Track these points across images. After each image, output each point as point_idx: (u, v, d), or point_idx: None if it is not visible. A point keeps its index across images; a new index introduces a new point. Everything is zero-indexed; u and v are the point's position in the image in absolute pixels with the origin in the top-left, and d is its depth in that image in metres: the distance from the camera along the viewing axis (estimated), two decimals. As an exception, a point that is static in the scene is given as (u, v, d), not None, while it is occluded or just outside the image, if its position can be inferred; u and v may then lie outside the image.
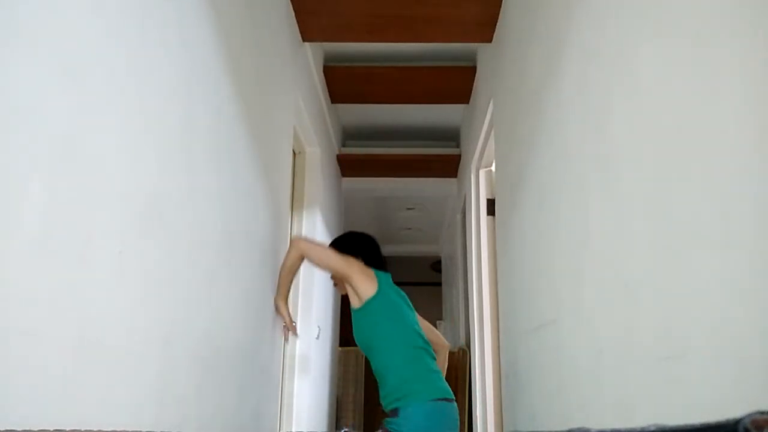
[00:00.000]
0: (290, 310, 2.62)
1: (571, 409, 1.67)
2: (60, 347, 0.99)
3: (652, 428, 1.09)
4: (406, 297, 2.51)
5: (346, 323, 5.17)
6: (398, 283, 2.52)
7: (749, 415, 0.79)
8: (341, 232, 4.98)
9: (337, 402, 4.81)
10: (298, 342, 3.25)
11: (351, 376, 6.34)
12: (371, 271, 2.41)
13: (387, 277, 2.46)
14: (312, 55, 3.42)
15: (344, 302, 4.81)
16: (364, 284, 2.35)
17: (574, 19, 1.71)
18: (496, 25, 3.03)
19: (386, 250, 8.75)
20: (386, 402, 2.24)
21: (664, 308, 1.11)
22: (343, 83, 3.93)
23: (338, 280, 2.52)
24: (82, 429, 1.03)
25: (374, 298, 2.34)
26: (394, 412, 2.18)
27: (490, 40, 3.16)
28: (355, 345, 2.44)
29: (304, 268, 3.42)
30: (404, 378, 2.23)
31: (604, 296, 1.43)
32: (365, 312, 2.36)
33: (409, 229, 6.91)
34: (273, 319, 2.54)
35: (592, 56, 1.56)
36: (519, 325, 2.40)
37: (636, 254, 1.24)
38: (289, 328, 2.58)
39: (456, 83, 3.90)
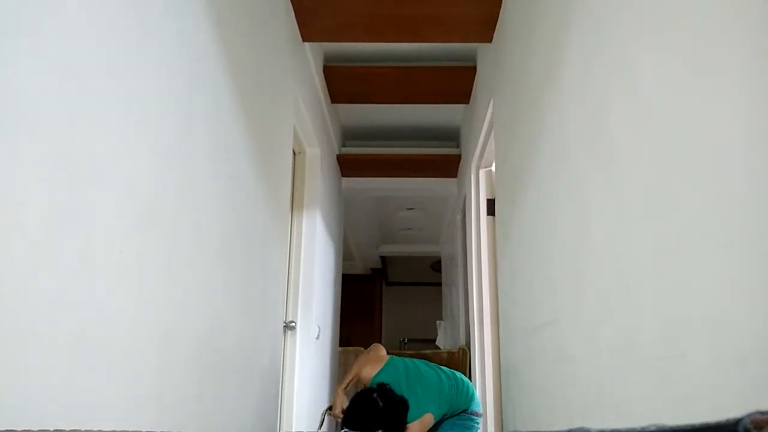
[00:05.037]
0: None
1: (571, 408, 1.67)
2: (60, 347, 0.99)
3: (652, 428, 1.09)
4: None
5: (346, 323, 5.17)
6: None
7: (749, 415, 0.79)
8: (341, 232, 5.01)
9: (337, 402, 4.79)
10: (298, 342, 3.25)
11: (351, 376, 6.32)
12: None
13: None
14: (312, 55, 3.42)
15: (344, 302, 4.81)
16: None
17: (574, 18, 1.71)
18: (496, 25, 3.03)
19: (386, 250, 8.65)
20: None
21: (664, 308, 1.11)
22: (343, 83, 3.92)
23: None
24: (82, 429, 1.03)
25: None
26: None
27: (490, 40, 3.16)
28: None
29: (304, 267, 3.43)
30: None
31: (604, 296, 1.43)
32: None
33: (409, 229, 6.91)
34: (273, 319, 2.54)
35: (592, 56, 1.56)
36: (519, 325, 2.40)
37: (636, 254, 1.24)
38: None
39: (456, 83, 3.89)
